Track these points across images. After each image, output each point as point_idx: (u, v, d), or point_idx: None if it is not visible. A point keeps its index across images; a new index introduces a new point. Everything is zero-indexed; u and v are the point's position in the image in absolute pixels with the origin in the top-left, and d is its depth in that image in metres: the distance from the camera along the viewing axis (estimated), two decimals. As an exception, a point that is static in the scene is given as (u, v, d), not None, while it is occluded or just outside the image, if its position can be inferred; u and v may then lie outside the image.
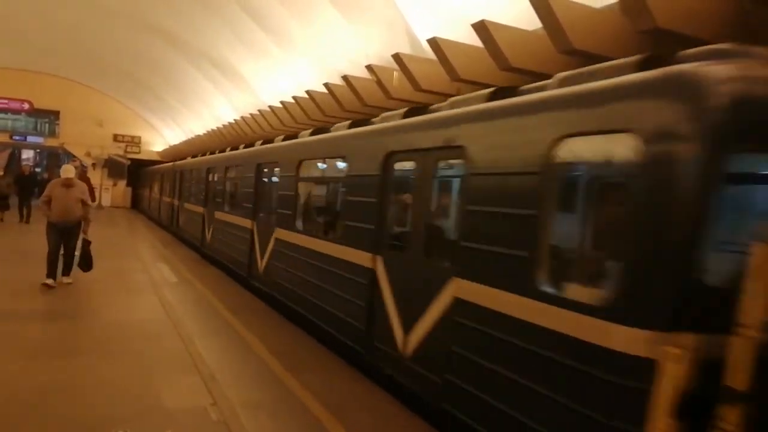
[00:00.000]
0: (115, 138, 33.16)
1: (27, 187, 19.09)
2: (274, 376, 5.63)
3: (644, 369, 2.79)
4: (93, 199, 12.16)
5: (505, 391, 3.78)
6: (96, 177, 30.92)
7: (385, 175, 5.72)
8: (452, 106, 5.47)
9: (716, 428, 2.60)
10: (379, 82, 9.31)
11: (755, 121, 2.88)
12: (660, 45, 5.04)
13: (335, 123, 9.06)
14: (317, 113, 12.22)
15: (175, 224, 18.66)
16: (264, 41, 14.67)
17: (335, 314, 6.51)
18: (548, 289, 3.54)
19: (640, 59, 3.72)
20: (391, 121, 6.47)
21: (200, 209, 14.74)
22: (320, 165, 8.62)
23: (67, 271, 9.18)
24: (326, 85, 11.18)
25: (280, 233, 8.61)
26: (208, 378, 5.38)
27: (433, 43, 7.29)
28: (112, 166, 32.31)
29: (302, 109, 12.98)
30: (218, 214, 12.75)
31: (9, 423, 4.19)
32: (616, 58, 4.27)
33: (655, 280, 2.90)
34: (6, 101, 30.09)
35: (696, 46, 3.89)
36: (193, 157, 19.81)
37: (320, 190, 9.35)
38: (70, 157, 31.23)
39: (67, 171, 9.10)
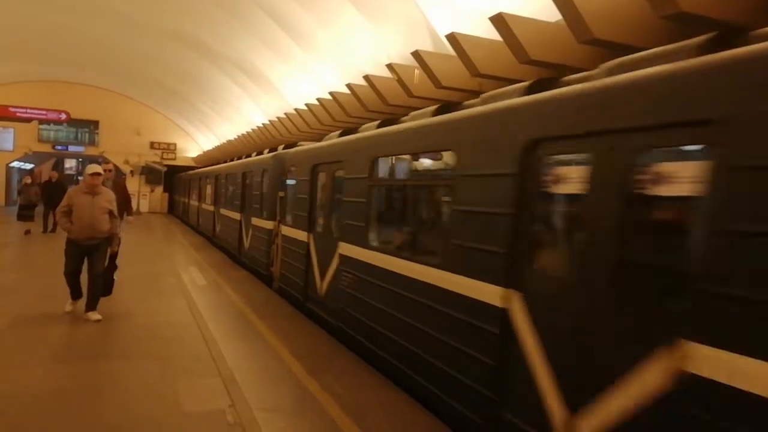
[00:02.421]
0: (152, 145, 34.11)
1: (53, 196, 16.44)
2: (294, 379, 5.60)
3: None
4: (129, 212, 9.86)
5: None
6: (134, 184, 31.83)
7: (526, 174, 3.96)
8: (612, 71, 3.73)
9: None
10: (400, 81, 9.23)
11: None
12: (686, 30, 4.80)
13: (362, 124, 8.94)
14: (341, 114, 12.24)
15: (212, 231, 18.46)
16: (289, 45, 14.77)
17: (438, 367, 4.88)
18: None
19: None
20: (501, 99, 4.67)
21: (237, 216, 14.30)
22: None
23: (92, 305, 7.34)
24: (349, 85, 11.16)
25: (347, 249, 7.00)
26: (228, 380, 5.39)
27: (452, 38, 7.16)
28: (149, 173, 33.29)
29: (326, 110, 13.01)
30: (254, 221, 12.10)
31: (29, 425, 4.27)
32: (640, 47, 4.07)
33: None
34: (44, 112, 31.07)
35: (724, 29, 3.68)
36: (232, 160, 19.58)
37: (406, 195, 6.85)
38: (103, 161, 31.81)
39: (93, 168, 7.28)
